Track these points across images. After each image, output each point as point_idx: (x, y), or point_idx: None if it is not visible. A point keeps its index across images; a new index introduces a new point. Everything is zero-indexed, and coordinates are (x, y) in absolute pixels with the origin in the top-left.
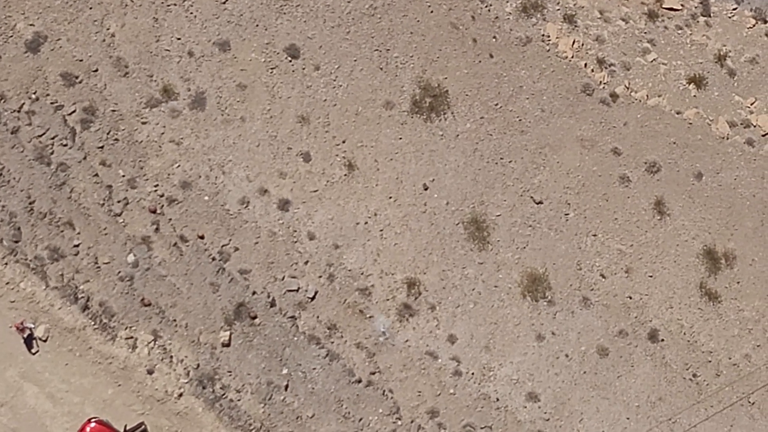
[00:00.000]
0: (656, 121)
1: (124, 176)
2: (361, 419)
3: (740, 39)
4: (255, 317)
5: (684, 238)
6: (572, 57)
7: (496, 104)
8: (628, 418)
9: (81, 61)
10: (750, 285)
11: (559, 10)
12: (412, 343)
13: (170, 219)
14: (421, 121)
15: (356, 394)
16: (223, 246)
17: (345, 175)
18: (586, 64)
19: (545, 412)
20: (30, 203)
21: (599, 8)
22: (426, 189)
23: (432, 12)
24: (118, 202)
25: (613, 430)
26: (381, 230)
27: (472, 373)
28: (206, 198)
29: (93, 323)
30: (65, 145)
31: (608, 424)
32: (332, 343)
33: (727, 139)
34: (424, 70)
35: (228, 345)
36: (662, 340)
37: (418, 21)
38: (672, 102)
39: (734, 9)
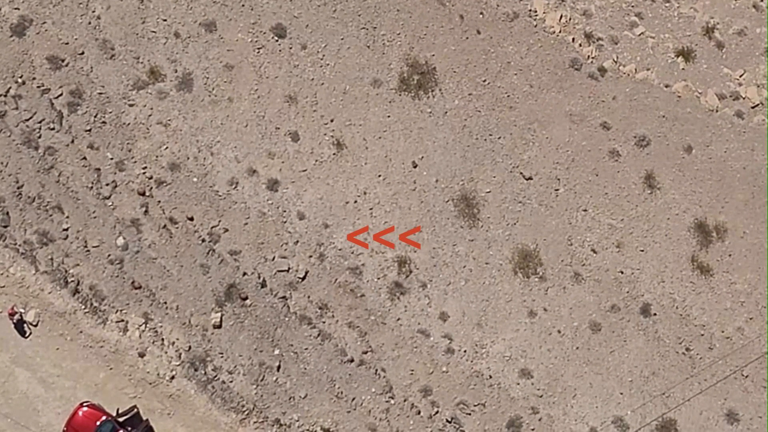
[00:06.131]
0: (645, 95)
1: (112, 159)
2: (354, 399)
3: (728, 11)
4: (246, 298)
5: (675, 212)
6: (560, 32)
7: (484, 80)
8: (621, 393)
9: (67, 44)
10: (741, 257)
11: None
12: (404, 322)
13: (159, 201)
14: (409, 99)
15: (349, 373)
16: (212, 227)
17: (334, 154)
18: (573, 39)
19: (538, 389)
20: (18, 188)
21: None
22: (415, 166)
23: None
24: (107, 185)
25: (607, 405)
26: (371, 209)
27: (465, 351)
28: (195, 179)
29: (83, 307)
30: (52, 129)
31: (602, 400)
32: (324, 322)
33: (717, 111)
34: (411, 47)
35: (219, 326)
36: (655, 314)
37: None
38: (660, 75)
39: None
